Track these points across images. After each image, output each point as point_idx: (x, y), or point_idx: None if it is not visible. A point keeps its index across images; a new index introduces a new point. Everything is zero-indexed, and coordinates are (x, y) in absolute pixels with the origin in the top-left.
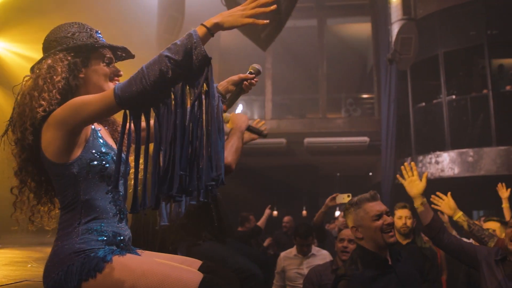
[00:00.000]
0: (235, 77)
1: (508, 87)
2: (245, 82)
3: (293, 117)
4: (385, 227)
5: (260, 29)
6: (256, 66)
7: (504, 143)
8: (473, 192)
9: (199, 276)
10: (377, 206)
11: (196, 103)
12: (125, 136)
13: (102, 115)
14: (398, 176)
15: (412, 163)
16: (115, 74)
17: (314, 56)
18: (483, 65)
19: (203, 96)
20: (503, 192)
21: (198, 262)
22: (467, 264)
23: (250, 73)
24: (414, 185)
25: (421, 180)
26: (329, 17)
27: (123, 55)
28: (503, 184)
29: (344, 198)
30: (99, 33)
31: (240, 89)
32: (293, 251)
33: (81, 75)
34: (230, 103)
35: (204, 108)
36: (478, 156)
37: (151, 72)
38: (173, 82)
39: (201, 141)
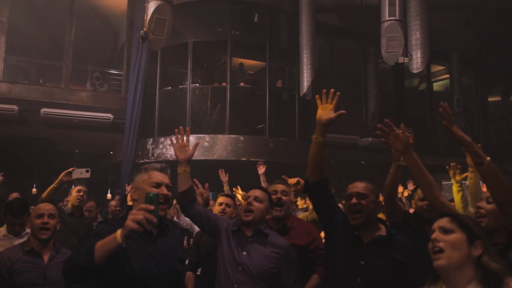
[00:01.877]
0: None
1: (242, 84)
2: None
3: (30, 83)
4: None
5: None
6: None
7: (234, 132)
8: (207, 174)
9: None
10: (161, 177)
11: None
12: None
13: None
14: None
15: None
16: None
17: (62, 20)
18: (225, 60)
19: None
20: (223, 177)
21: None
22: (210, 234)
23: None
24: (183, 150)
25: (191, 148)
26: None
27: None
28: (222, 169)
29: (82, 173)
30: None
31: None
32: (2, 230)
33: None
34: None
35: None
36: (213, 142)
37: None
38: None
39: None
